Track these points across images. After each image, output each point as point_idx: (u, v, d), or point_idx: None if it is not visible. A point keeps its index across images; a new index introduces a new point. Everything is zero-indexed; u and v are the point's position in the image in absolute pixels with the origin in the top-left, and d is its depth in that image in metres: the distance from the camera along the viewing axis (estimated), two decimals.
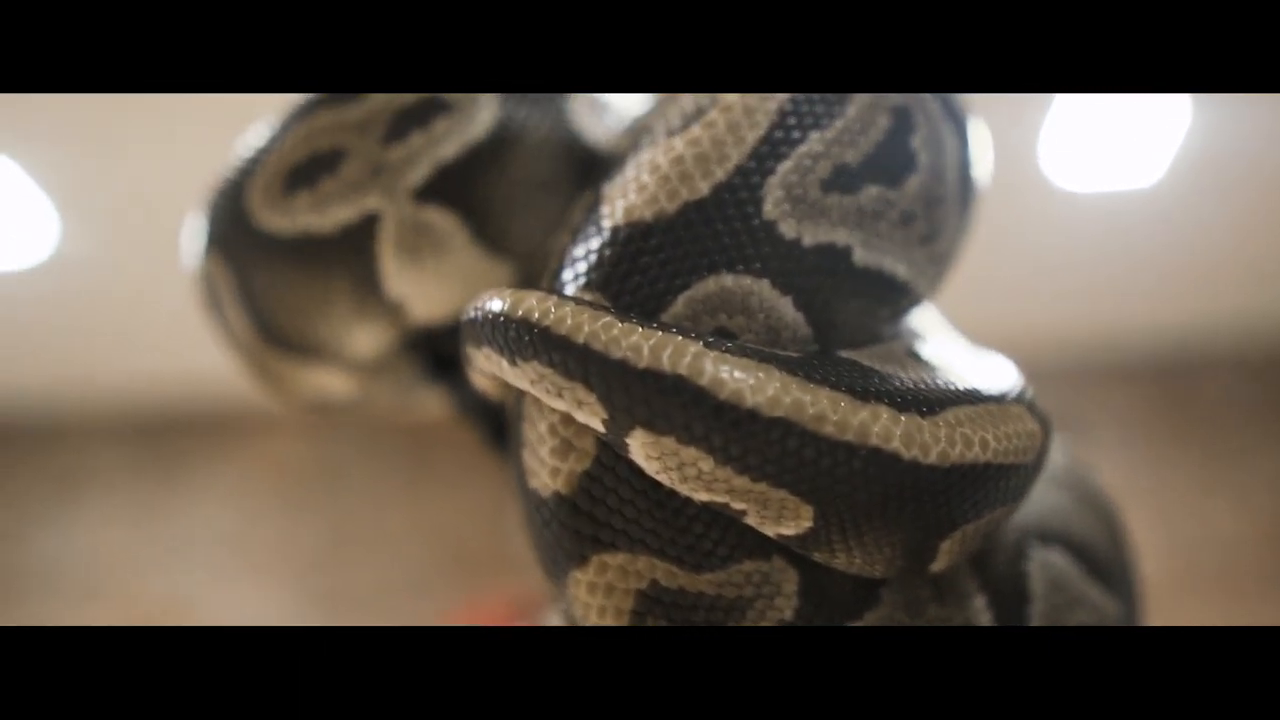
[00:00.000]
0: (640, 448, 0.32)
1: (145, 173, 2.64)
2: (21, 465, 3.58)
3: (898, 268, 0.37)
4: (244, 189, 0.49)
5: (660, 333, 0.31)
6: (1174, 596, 3.32)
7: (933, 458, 0.31)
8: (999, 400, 0.35)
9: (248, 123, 2.20)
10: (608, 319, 0.32)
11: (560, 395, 0.33)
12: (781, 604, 0.32)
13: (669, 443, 0.31)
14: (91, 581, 3.45)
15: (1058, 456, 0.42)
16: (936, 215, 0.40)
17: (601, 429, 0.33)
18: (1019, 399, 0.37)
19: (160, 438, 3.58)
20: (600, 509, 0.32)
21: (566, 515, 0.33)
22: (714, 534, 0.32)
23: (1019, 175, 2.71)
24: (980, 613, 0.34)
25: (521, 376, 0.33)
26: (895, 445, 0.31)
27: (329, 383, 0.48)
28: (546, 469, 0.33)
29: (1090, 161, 2.66)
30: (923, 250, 0.38)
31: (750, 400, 0.30)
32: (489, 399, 0.46)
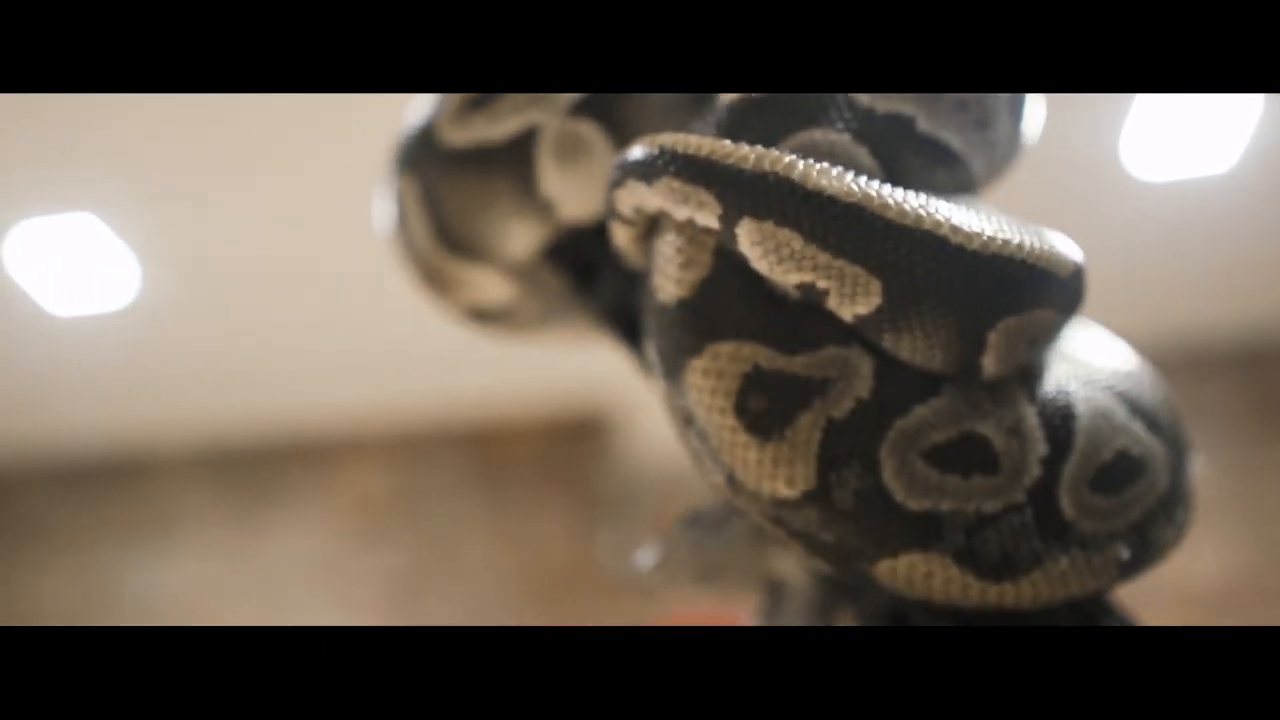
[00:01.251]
0: (746, 235, 0.40)
1: (220, 225, 2.73)
2: (114, 504, 3.70)
3: (953, 140, 0.44)
4: (432, 118, 0.58)
5: (762, 148, 0.41)
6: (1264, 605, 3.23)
7: (975, 245, 0.38)
8: (1043, 236, 0.42)
9: (310, 175, 2.25)
10: (724, 141, 0.41)
11: (686, 201, 0.41)
12: (859, 385, 0.39)
13: (769, 227, 0.39)
14: (183, 616, 3.55)
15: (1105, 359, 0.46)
16: (987, 104, 0.47)
17: (717, 225, 0.40)
18: (1063, 242, 0.43)
19: (245, 474, 3.68)
20: (714, 307, 0.40)
21: (688, 316, 0.41)
22: (806, 321, 0.40)
23: (1102, 170, 2.69)
24: (1029, 419, 0.40)
25: (655, 194, 0.42)
26: (944, 232, 0.38)
27: (489, 284, 0.56)
28: (672, 281, 0.41)
29: (1167, 151, 2.62)
30: (976, 134, 0.45)
31: (830, 190, 0.39)
32: (626, 308, 0.55)
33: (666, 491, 3.53)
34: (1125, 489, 0.41)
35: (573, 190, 0.54)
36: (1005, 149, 0.48)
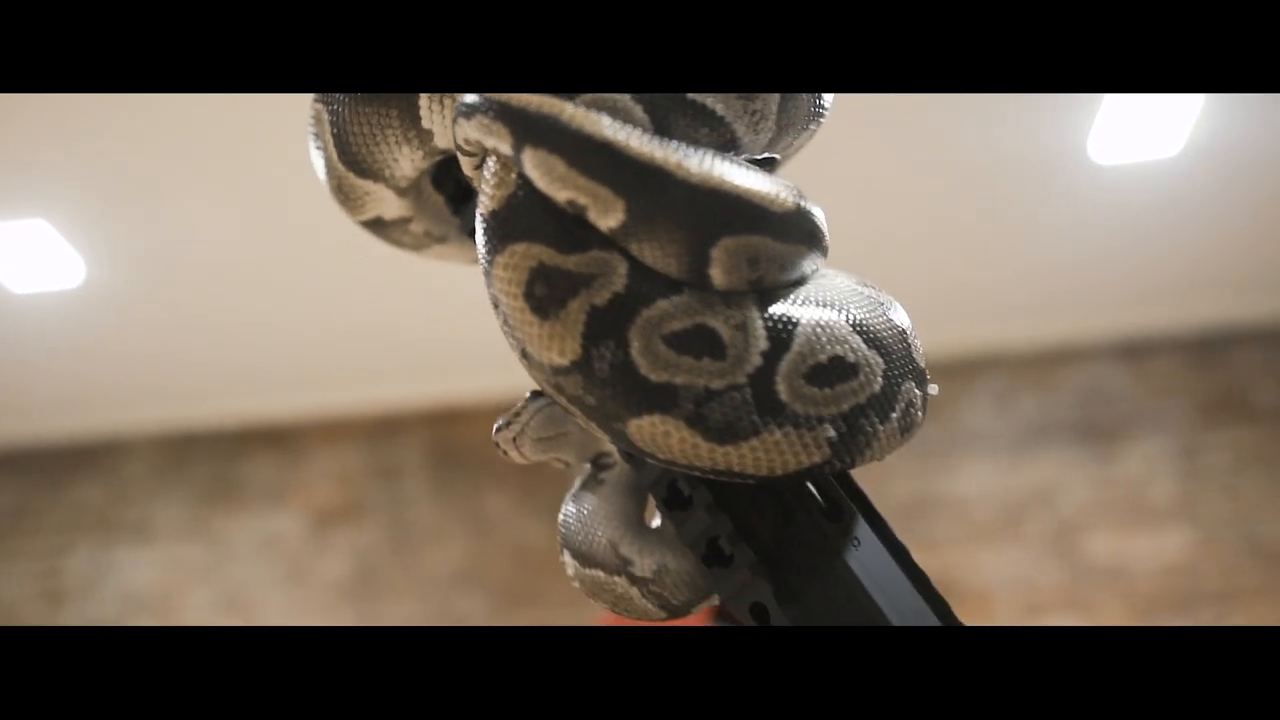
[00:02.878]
0: (529, 160, 0.49)
1: (182, 219, 2.74)
2: (74, 489, 3.69)
3: (717, 106, 0.52)
4: None
5: (546, 96, 0.50)
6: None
7: (696, 179, 0.48)
8: (769, 181, 0.51)
9: (263, 169, 2.25)
10: (524, 93, 0.51)
11: (491, 133, 0.51)
12: (616, 281, 0.49)
13: (542, 154, 0.49)
14: (140, 602, 3.55)
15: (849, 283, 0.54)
16: None
17: (510, 152, 0.50)
18: (791, 190, 0.51)
19: (206, 459, 3.68)
20: (514, 217, 0.50)
21: (496, 223, 0.50)
22: (578, 230, 0.49)
23: (1067, 155, 2.77)
24: (754, 320, 0.48)
25: (473, 127, 0.51)
26: (671, 167, 0.48)
27: (385, 199, 0.66)
28: (487, 196, 0.51)
29: (1123, 137, 2.71)
30: (740, 103, 0.53)
31: (587, 128, 0.48)
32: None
33: None
34: (836, 385, 0.49)
35: (442, 125, 0.62)
36: (778, 117, 0.56)
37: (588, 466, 0.63)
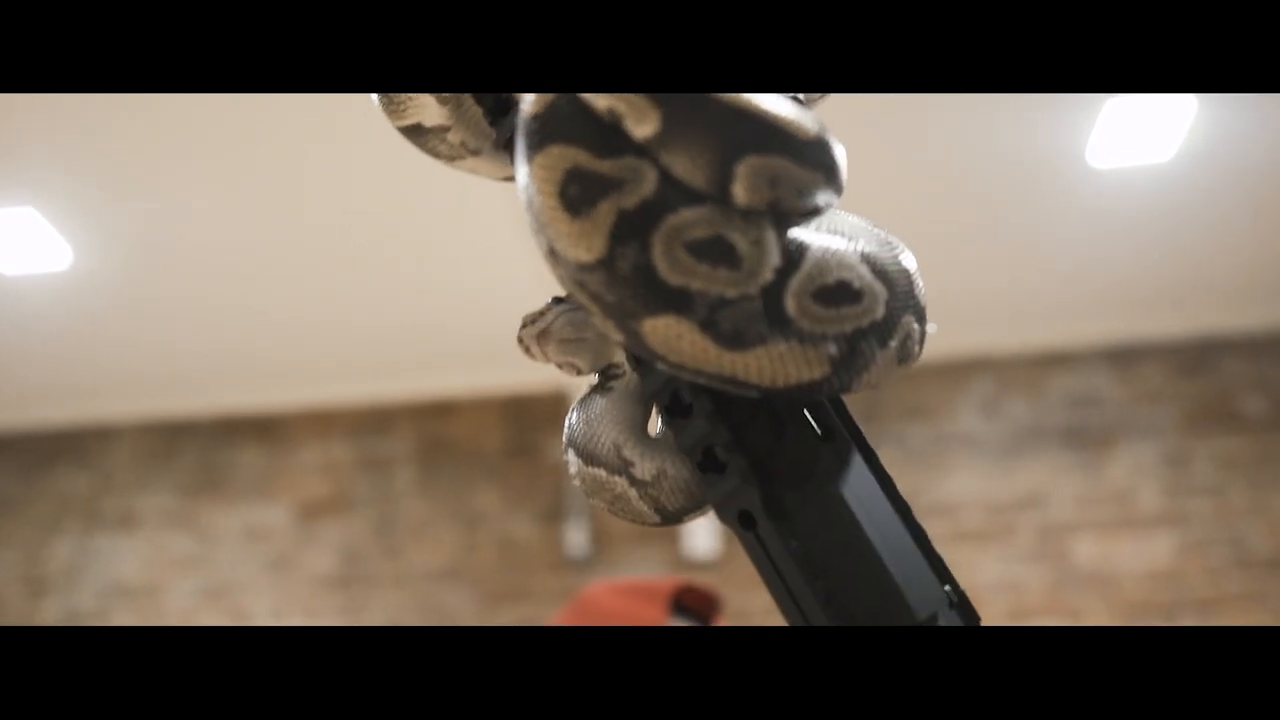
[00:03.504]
0: None
1: (153, 211, 2.72)
2: (63, 469, 3.67)
3: None
4: None
5: None
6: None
7: (727, 98, 0.51)
8: (797, 106, 0.53)
9: (256, 159, 2.25)
10: None
11: None
12: (645, 187, 0.52)
13: None
14: (124, 591, 3.52)
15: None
16: None
17: None
18: (816, 121, 0.54)
19: (194, 448, 3.66)
20: (554, 121, 0.53)
21: (537, 125, 0.53)
22: (614, 137, 0.52)
23: (1064, 158, 2.78)
24: (769, 238, 0.51)
25: None
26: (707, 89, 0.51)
27: (427, 106, 0.67)
28: (531, 102, 0.54)
29: (1118, 139, 2.73)
30: None
31: None
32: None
33: None
34: (841, 307, 0.52)
35: None
36: None
37: (596, 377, 0.65)
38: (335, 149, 2.65)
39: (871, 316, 0.53)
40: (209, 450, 3.65)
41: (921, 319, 0.56)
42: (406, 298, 3.23)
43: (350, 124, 2.55)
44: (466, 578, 3.46)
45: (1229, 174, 2.90)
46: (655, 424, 0.62)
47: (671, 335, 0.51)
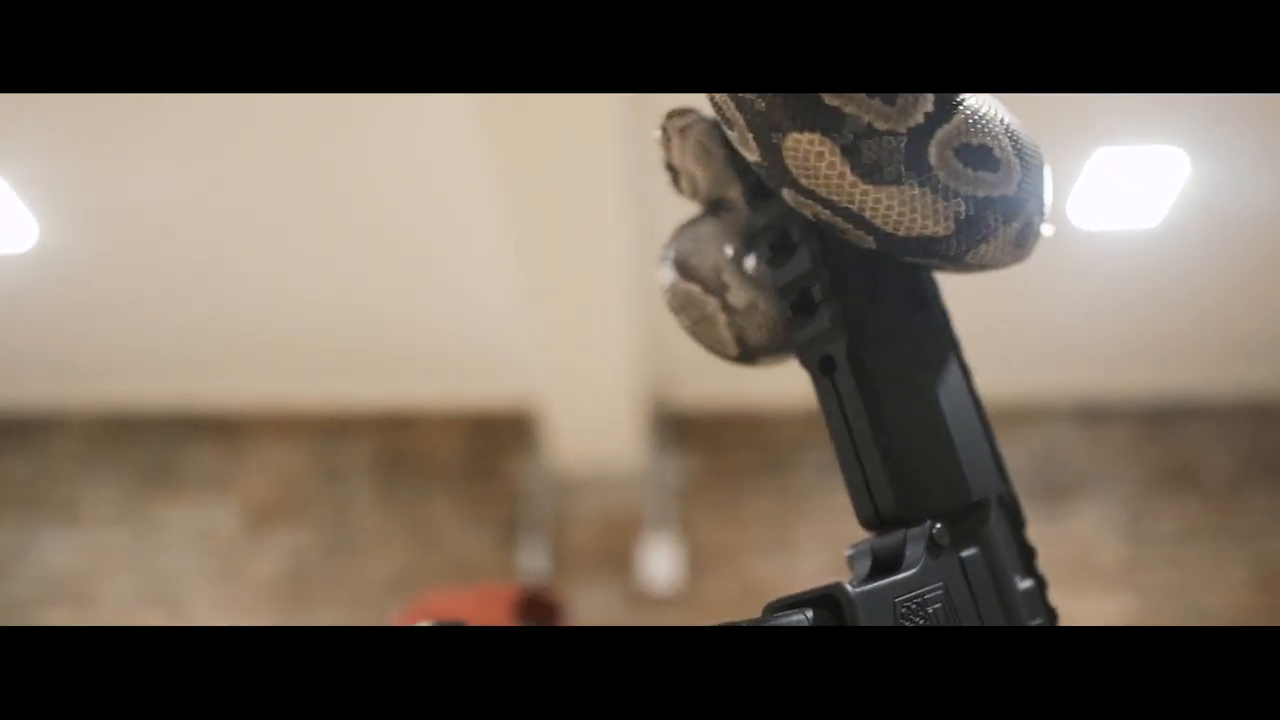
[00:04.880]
0: None
1: (122, 189, 2.64)
2: (4, 455, 3.55)
3: None
4: None
5: None
6: None
7: None
8: None
9: (232, 130, 2.18)
10: None
11: None
12: None
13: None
14: (63, 586, 3.41)
15: None
16: None
17: None
18: None
19: (147, 443, 3.55)
20: None
21: None
22: None
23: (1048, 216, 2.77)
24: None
25: None
26: None
27: None
28: None
29: (1102, 203, 2.73)
30: None
31: None
32: None
33: (588, 497, 3.51)
34: (979, 170, 0.52)
35: None
36: None
37: (702, 207, 0.64)
38: (318, 141, 2.59)
39: (1004, 189, 0.53)
40: (161, 444, 3.55)
41: (1042, 214, 0.56)
42: (379, 307, 3.16)
43: (334, 115, 2.49)
44: (417, 593, 3.38)
45: (1212, 244, 2.92)
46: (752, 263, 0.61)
47: (812, 153, 0.51)
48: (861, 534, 0.58)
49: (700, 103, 0.63)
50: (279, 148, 2.57)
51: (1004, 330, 3.31)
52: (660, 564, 3.36)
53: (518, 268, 2.61)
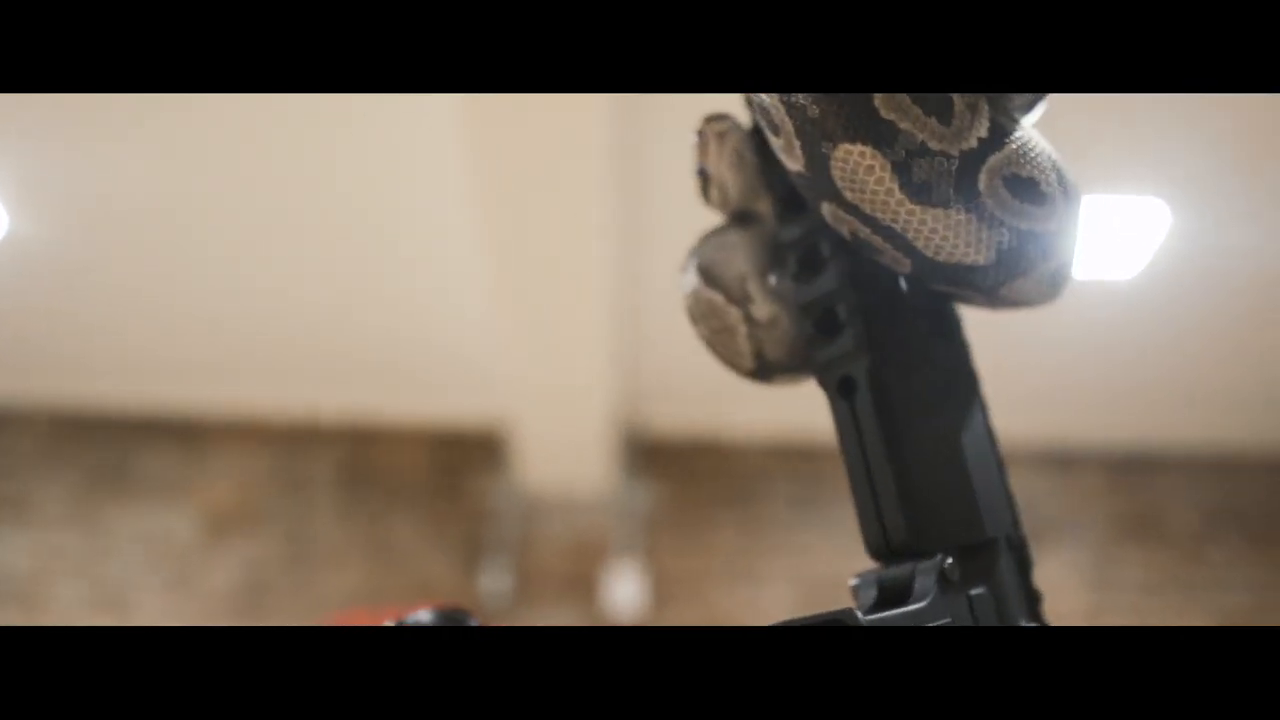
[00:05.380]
0: None
1: (96, 175, 2.59)
2: None
3: None
4: None
5: None
6: None
7: None
8: None
9: (202, 122, 2.14)
10: None
11: None
12: None
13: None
14: (16, 579, 3.32)
15: None
16: None
17: None
18: None
19: (103, 446, 3.47)
20: None
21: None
22: None
23: None
24: (987, 111, 0.50)
25: None
26: None
27: None
28: None
29: (1083, 252, 2.73)
30: None
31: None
32: None
33: (554, 520, 3.47)
34: (1024, 204, 0.51)
35: None
36: None
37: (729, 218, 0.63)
38: (294, 144, 2.55)
39: (1046, 225, 0.52)
40: (118, 445, 3.47)
41: (1073, 258, 0.56)
42: (350, 315, 3.11)
43: (311, 117, 2.45)
44: (369, 606, 3.32)
45: (1189, 298, 2.93)
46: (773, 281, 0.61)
47: (862, 166, 0.50)
48: (859, 564, 0.56)
49: (726, 106, 0.61)
50: (255, 150, 2.53)
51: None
52: (624, 591, 3.32)
53: (495, 285, 2.58)
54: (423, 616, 0.50)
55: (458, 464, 3.51)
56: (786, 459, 3.57)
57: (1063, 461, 3.60)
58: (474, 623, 0.52)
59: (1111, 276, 2.85)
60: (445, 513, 3.46)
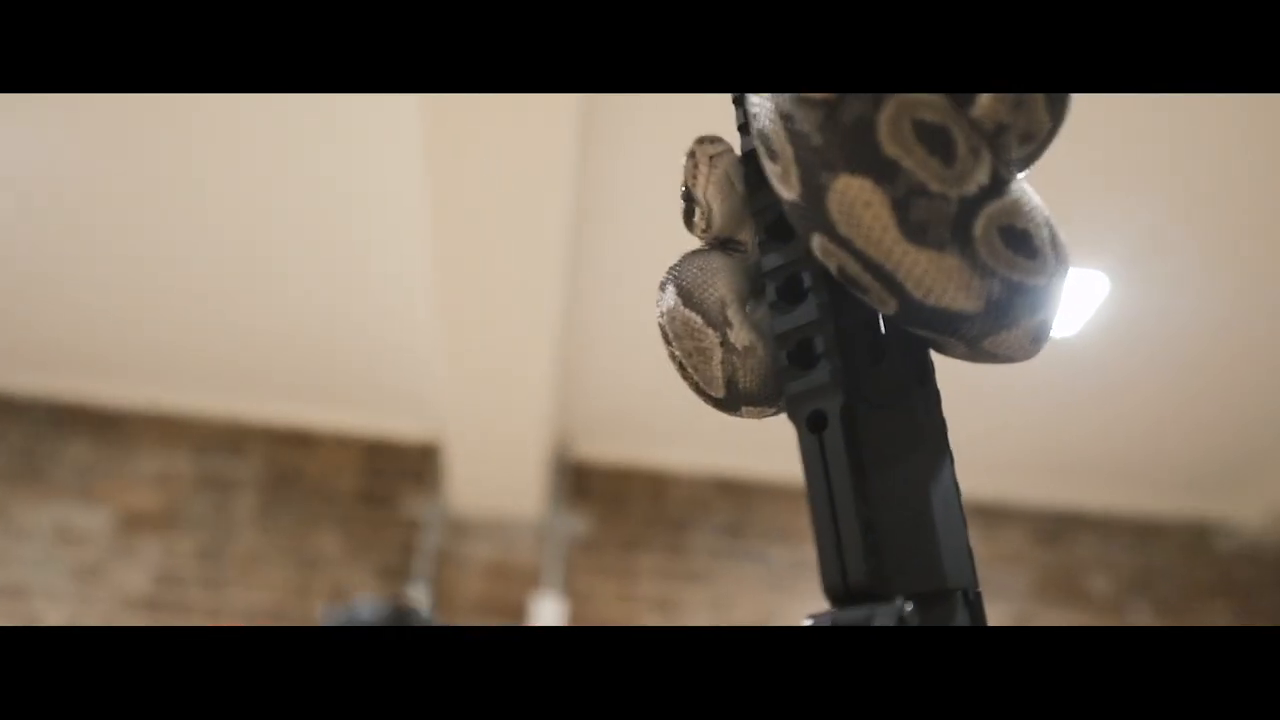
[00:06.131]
0: None
1: (20, 162, 2.52)
2: None
3: None
4: None
5: None
6: None
7: None
8: None
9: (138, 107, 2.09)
10: None
11: None
12: None
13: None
14: None
15: None
16: None
17: None
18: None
19: (19, 433, 3.36)
20: None
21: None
22: None
23: None
24: (989, 160, 0.50)
25: None
26: None
27: None
28: None
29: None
30: None
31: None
32: None
33: (480, 541, 3.42)
34: (1018, 256, 0.51)
35: None
36: None
37: (705, 242, 0.62)
38: (240, 141, 2.50)
39: (1035, 280, 0.52)
40: (33, 436, 3.36)
41: (1056, 318, 0.56)
42: (288, 317, 3.05)
43: (265, 114, 2.41)
44: (291, 624, 3.24)
45: (1123, 360, 2.99)
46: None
47: (859, 201, 0.49)
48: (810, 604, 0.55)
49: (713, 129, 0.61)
50: (199, 147, 2.48)
51: None
52: (546, 617, 3.28)
53: (443, 299, 2.55)
54: (365, 605, 0.48)
55: (387, 477, 3.46)
56: (717, 493, 3.57)
57: (989, 517, 3.64)
58: (420, 614, 0.50)
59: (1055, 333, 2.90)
60: (371, 525, 3.40)
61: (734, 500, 3.56)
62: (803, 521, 3.54)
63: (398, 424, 3.46)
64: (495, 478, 3.26)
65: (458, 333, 2.66)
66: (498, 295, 2.51)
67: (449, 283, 2.49)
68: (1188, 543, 3.74)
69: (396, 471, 3.47)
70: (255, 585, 3.27)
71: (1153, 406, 3.21)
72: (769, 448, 3.45)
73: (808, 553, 3.52)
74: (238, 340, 3.16)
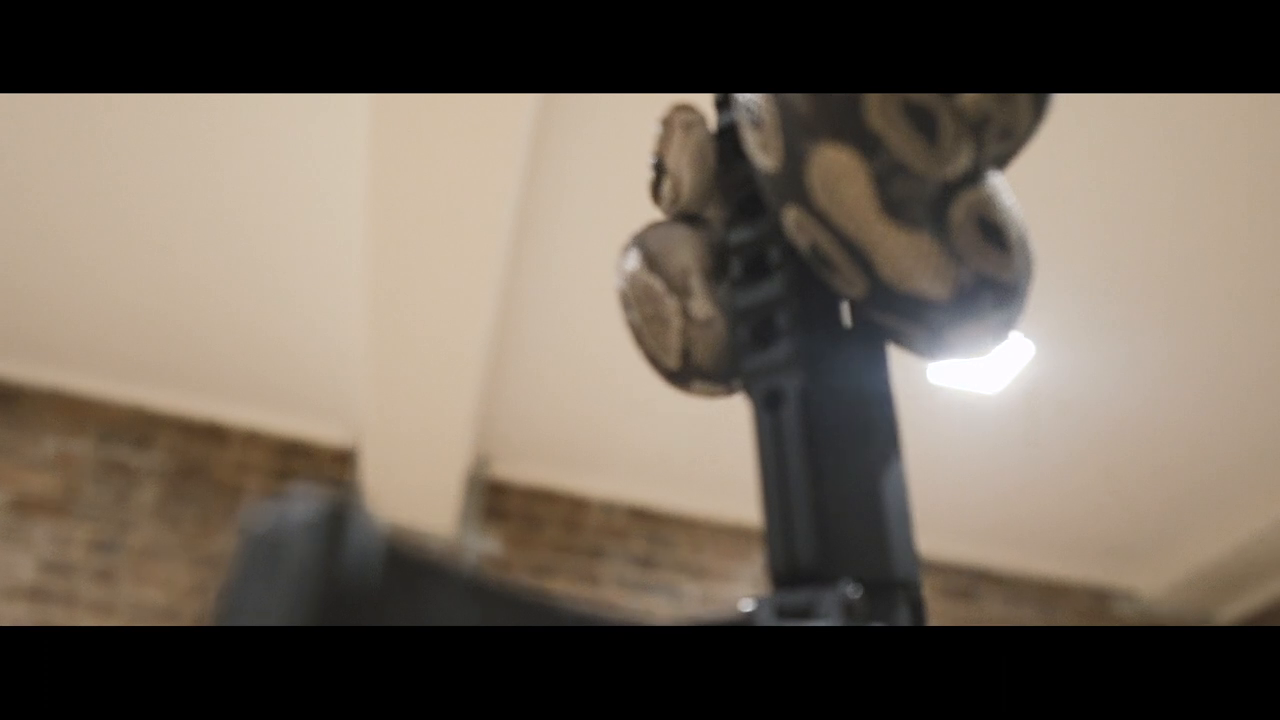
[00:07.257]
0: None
1: None
2: None
3: None
4: None
5: None
6: None
7: None
8: None
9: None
10: None
11: None
12: None
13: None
14: None
15: None
16: None
17: None
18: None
19: None
20: None
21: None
22: None
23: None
24: (972, 149, 0.49)
25: None
26: None
27: None
28: None
29: (957, 365, 2.83)
30: None
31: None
32: None
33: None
34: (990, 247, 0.51)
35: None
36: None
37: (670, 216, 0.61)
38: (172, 125, 2.44)
39: (1002, 276, 0.52)
40: None
41: (1017, 318, 0.55)
42: (210, 301, 2.97)
43: (199, 106, 2.36)
44: (184, 624, 3.13)
45: (1041, 424, 3.05)
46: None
47: (840, 172, 0.49)
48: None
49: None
50: (127, 131, 2.41)
51: None
52: None
53: (373, 305, 2.50)
54: (299, 504, 0.44)
55: (298, 477, 3.37)
56: (633, 519, 3.55)
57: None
58: (363, 512, 0.46)
59: (977, 389, 2.94)
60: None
61: (648, 531, 3.54)
62: (716, 559, 3.53)
63: (315, 427, 3.38)
64: (409, 490, 3.20)
65: (385, 339, 2.61)
66: (430, 305, 2.47)
67: (381, 289, 2.45)
68: (1088, 608, 3.81)
69: (309, 475, 3.38)
70: (150, 581, 3.16)
71: (1065, 474, 3.27)
72: (687, 480, 3.44)
73: (720, 590, 3.51)
74: (151, 326, 3.06)
